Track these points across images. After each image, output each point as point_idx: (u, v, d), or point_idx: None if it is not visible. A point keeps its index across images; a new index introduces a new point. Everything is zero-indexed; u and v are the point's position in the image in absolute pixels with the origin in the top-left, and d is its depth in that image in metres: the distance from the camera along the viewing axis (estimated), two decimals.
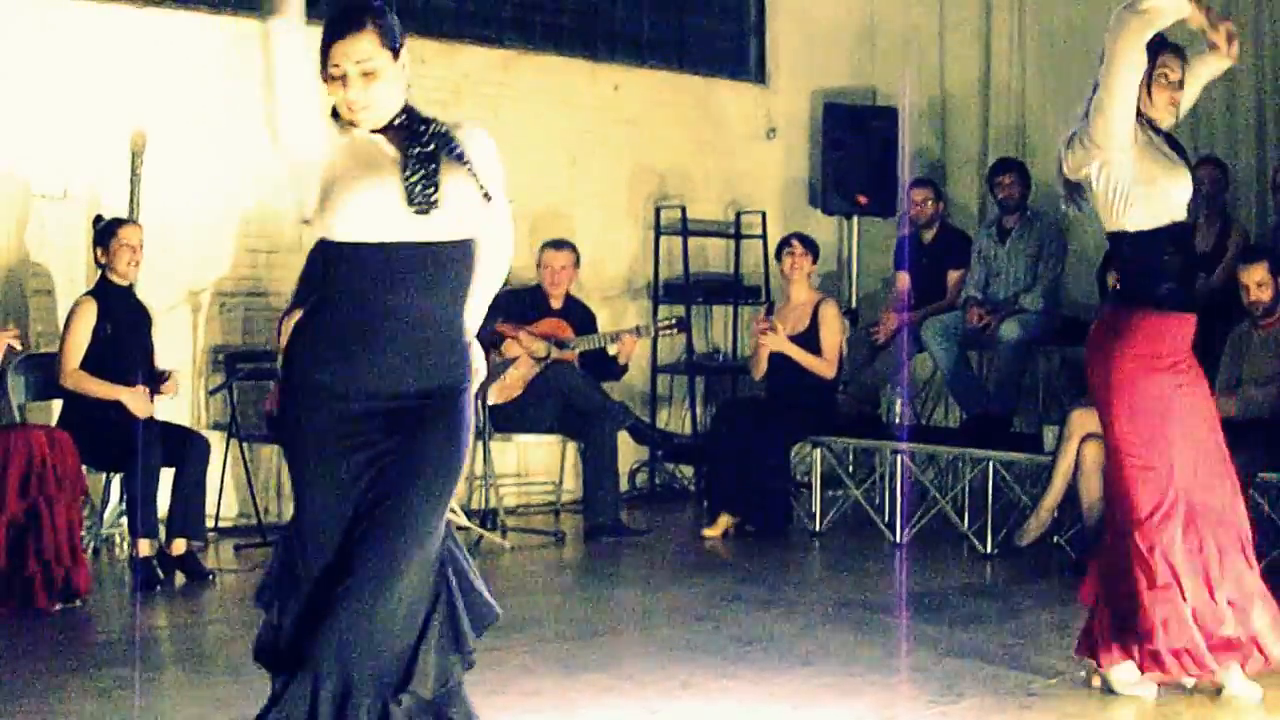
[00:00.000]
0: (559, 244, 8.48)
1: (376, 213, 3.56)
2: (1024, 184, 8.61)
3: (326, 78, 3.59)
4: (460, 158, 3.62)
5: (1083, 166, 4.80)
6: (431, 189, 3.57)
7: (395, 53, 3.63)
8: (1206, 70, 5.06)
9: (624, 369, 8.45)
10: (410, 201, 3.55)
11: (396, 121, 3.64)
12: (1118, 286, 5.18)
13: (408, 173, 3.58)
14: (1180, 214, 4.84)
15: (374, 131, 3.64)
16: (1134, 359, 4.75)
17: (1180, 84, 4.90)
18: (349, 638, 3.48)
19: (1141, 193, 4.76)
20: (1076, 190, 4.92)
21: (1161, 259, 4.77)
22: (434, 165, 3.59)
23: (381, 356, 3.58)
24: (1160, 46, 4.81)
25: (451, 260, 3.62)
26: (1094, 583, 4.93)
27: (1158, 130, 4.90)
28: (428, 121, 3.66)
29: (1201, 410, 4.87)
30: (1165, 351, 4.77)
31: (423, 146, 3.61)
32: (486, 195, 3.64)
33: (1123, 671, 4.82)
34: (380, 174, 3.59)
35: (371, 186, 3.57)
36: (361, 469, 3.57)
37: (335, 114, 3.67)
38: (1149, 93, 4.83)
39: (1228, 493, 4.88)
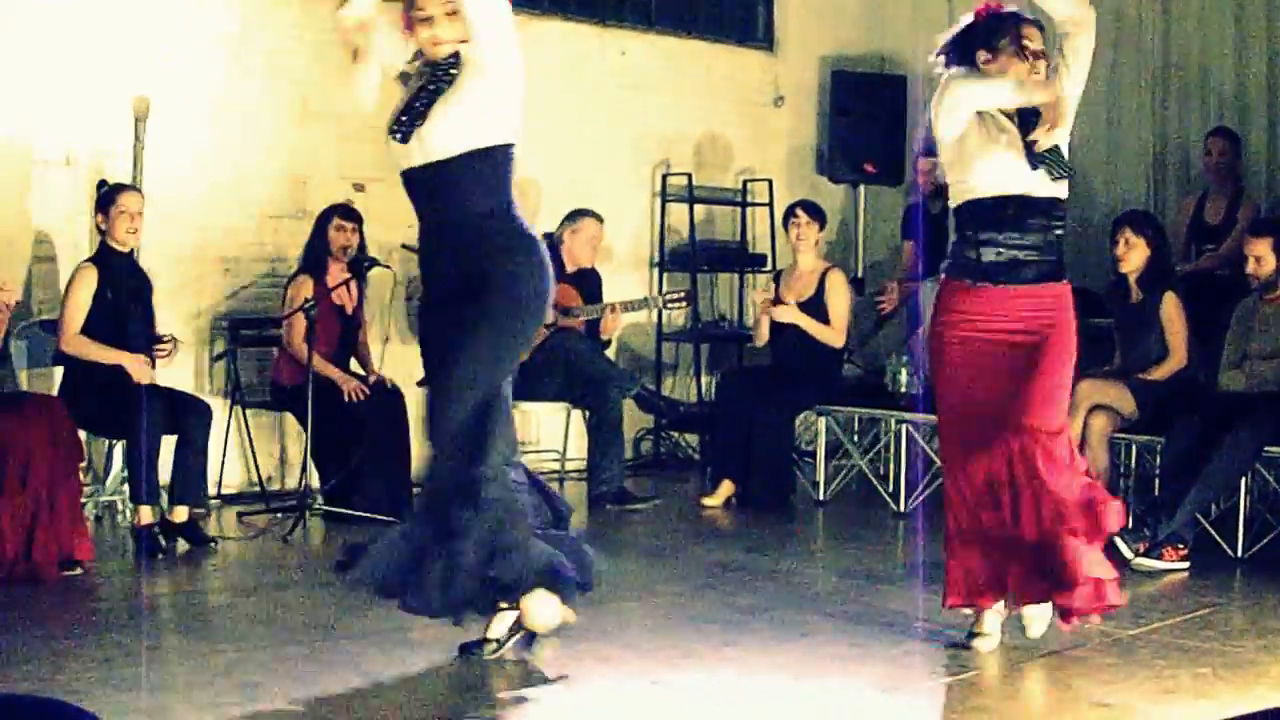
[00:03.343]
0: (600, 218, 8.47)
1: (391, 144, 4.57)
2: None
3: (412, 20, 4.51)
4: (438, 88, 4.49)
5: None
6: (406, 121, 4.51)
7: None
8: None
9: (605, 343, 8.43)
10: (390, 134, 4.55)
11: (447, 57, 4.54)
12: None
13: (399, 113, 4.56)
14: (980, 191, 4.91)
15: (426, 67, 4.58)
16: (935, 324, 5.01)
17: (1040, 53, 4.97)
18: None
19: (963, 173, 4.96)
20: None
21: (963, 233, 4.98)
22: (419, 101, 4.51)
23: (433, 262, 4.68)
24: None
25: (453, 173, 4.48)
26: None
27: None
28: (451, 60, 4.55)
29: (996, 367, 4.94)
30: (959, 315, 4.95)
31: (427, 82, 4.53)
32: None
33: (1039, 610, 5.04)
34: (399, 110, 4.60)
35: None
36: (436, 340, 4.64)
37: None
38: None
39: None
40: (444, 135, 4.47)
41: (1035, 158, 4.90)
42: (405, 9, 4.54)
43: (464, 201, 4.50)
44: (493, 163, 4.52)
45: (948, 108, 4.91)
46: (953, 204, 5.02)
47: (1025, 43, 4.91)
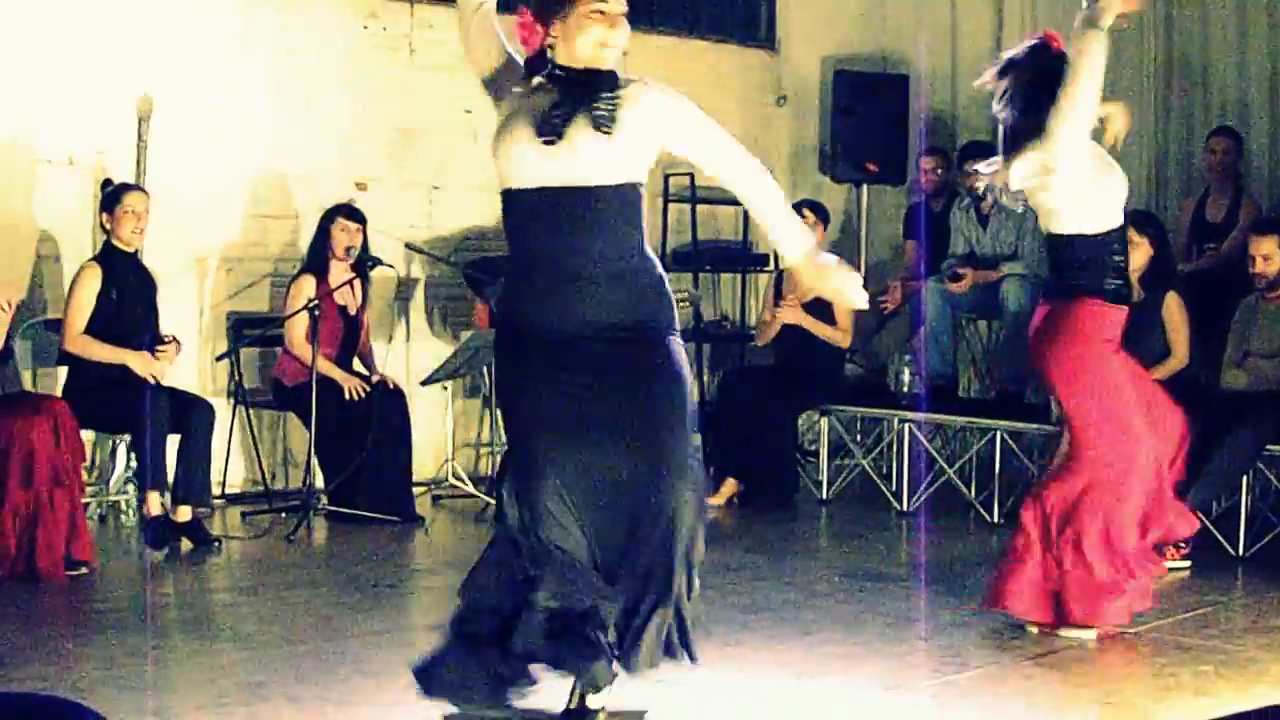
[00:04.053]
0: None
1: (517, 156, 3.89)
2: None
3: (587, 14, 3.91)
4: (604, 111, 3.88)
5: (1034, 179, 5.11)
6: (557, 124, 3.85)
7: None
8: None
9: None
10: (539, 134, 3.85)
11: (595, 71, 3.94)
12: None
13: (548, 112, 3.88)
14: (1118, 218, 5.23)
15: (568, 76, 3.92)
16: (1092, 347, 5.15)
17: None
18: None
19: (1096, 199, 5.15)
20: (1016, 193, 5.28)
21: (1112, 257, 5.17)
22: (573, 108, 3.87)
23: (550, 295, 3.91)
24: None
25: (596, 203, 3.88)
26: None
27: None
28: (610, 76, 3.96)
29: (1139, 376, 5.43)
30: (1113, 339, 5.19)
31: (580, 92, 3.89)
32: (603, 130, 3.86)
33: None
34: (530, 120, 3.90)
35: (519, 130, 3.90)
36: (571, 398, 3.90)
37: (528, 67, 4.00)
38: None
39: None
40: (602, 160, 3.90)
41: None
42: (548, 10, 3.95)
43: (610, 236, 3.94)
44: (637, 200, 4.01)
45: (1095, 73, 4.96)
46: (1090, 231, 5.15)
47: None
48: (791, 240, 4.17)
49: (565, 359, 3.92)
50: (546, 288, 3.93)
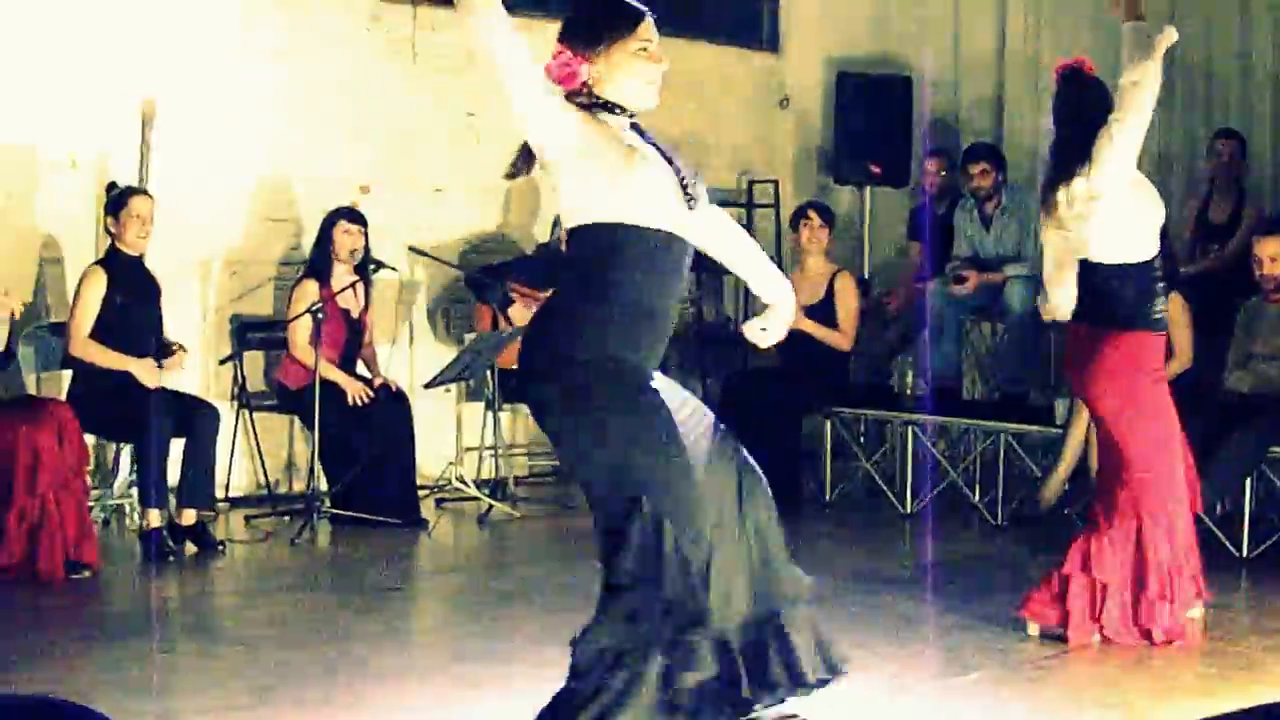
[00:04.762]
0: None
1: (666, 199, 3.74)
2: (998, 169, 8.51)
3: (635, 52, 3.83)
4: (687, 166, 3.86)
5: (1080, 205, 5.09)
6: (698, 185, 3.81)
7: None
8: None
9: None
10: (684, 192, 3.76)
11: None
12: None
13: (677, 167, 3.79)
14: (1157, 244, 5.18)
15: (653, 141, 3.85)
16: (1147, 377, 5.15)
17: None
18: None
19: (1137, 225, 5.12)
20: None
21: (1156, 285, 5.16)
22: (691, 165, 3.85)
23: (657, 336, 3.83)
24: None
25: (688, 258, 3.84)
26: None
27: None
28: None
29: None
30: (1161, 365, 5.24)
31: (661, 148, 3.83)
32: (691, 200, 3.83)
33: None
34: (659, 163, 3.78)
35: (662, 173, 3.75)
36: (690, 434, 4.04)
37: (575, 97, 3.87)
38: None
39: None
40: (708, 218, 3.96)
41: None
42: (589, 44, 3.93)
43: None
44: None
45: (1149, 105, 5.00)
46: (1134, 260, 5.11)
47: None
48: (775, 285, 4.18)
49: (663, 396, 3.90)
50: (655, 331, 3.84)
